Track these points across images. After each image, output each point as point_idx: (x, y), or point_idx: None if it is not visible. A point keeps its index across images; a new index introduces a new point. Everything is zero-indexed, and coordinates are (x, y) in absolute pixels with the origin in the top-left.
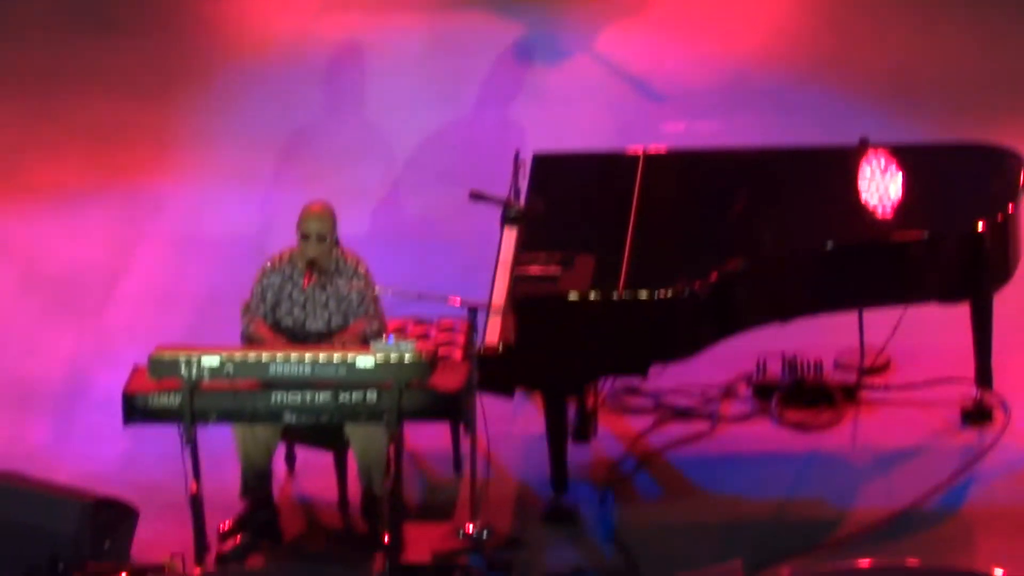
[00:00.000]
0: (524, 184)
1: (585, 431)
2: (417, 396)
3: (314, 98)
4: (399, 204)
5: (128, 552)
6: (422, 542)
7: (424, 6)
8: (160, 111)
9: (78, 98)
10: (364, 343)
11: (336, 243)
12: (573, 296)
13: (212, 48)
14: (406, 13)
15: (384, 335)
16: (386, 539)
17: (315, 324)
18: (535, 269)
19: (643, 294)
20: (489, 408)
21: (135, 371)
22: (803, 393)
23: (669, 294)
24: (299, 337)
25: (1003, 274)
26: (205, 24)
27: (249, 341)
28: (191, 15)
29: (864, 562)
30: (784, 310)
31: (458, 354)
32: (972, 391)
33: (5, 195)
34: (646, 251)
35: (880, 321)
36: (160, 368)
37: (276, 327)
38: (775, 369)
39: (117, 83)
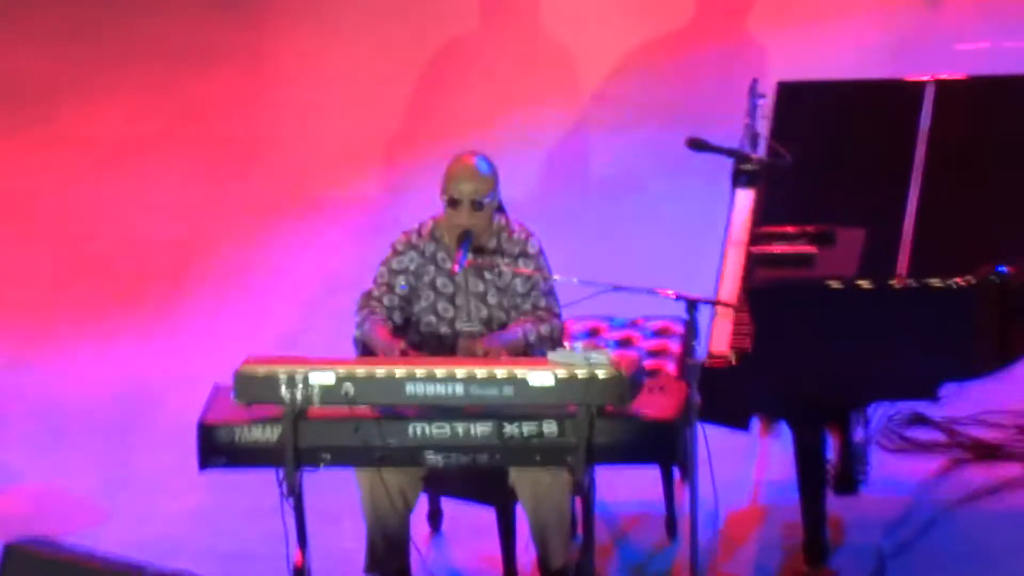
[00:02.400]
0: (764, 126)
1: (851, 478)
2: (614, 427)
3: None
4: (587, 155)
5: None
6: None
7: None
8: None
9: None
10: (526, 352)
11: (498, 209)
12: (835, 284)
13: None
14: None
15: (562, 343)
16: None
17: (470, 325)
18: (780, 247)
19: (934, 282)
20: (716, 445)
21: (216, 393)
22: None
23: (971, 282)
24: (447, 345)
25: None
26: None
27: (362, 348)
28: None
29: None
30: None
31: (672, 368)
32: None
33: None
34: (937, 221)
35: None
36: (251, 388)
37: (411, 329)
38: None
39: None
